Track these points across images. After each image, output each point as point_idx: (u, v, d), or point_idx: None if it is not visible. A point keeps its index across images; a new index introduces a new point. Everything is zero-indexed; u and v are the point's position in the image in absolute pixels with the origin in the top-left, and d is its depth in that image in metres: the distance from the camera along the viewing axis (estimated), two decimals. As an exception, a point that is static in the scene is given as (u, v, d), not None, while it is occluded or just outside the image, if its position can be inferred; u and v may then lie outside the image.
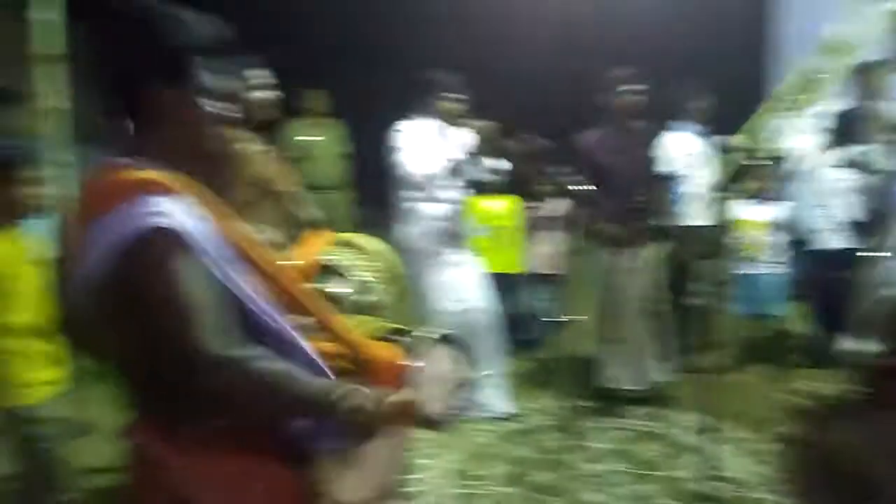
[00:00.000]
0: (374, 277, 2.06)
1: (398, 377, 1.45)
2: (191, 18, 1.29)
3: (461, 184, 4.00)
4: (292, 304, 1.39)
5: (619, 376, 4.00)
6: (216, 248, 1.23)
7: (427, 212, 3.82)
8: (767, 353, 4.58)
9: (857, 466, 1.58)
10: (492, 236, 4.86)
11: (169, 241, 1.18)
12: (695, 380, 3.58)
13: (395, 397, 1.36)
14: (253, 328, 1.27)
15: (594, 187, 3.96)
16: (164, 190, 1.22)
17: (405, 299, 2.01)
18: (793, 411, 1.73)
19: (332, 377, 1.36)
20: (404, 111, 3.90)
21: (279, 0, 9.93)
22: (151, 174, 1.24)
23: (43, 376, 2.24)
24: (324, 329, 1.45)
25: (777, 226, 4.47)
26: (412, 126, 3.80)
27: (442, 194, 3.83)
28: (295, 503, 1.36)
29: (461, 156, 3.82)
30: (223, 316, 1.20)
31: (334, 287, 2.09)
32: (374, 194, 7.20)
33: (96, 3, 1.31)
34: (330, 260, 2.19)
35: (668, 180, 4.30)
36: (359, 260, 2.13)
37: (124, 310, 1.21)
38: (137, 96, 1.27)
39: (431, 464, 3.32)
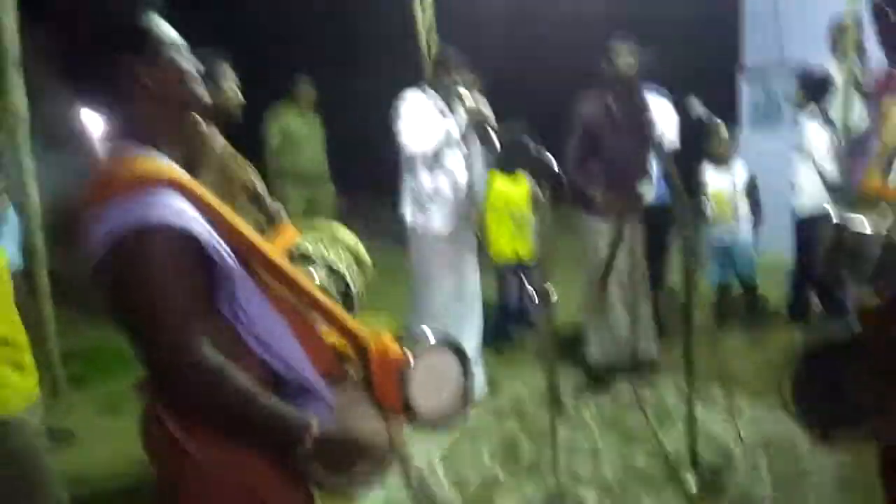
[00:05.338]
0: (342, 265, 2.05)
1: (395, 370, 1.44)
2: None
3: (473, 158, 3.73)
4: (295, 293, 1.41)
5: (607, 348, 4.01)
6: (217, 242, 1.24)
7: (434, 191, 3.60)
8: (745, 315, 4.61)
9: (848, 394, 1.73)
10: (509, 222, 4.54)
11: (164, 236, 1.18)
12: (679, 346, 3.59)
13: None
14: (242, 320, 1.28)
15: (591, 155, 3.83)
16: (167, 182, 1.22)
17: (369, 284, 2.02)
18: (793, 350, 1.87)
19: (313, 376, 1.35)
20: (397, 88, 3.63)
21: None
22: (155, 165, 1.23)
23: (15, 386, 2.19)
24: (324, 316, 1.45)
25: (743, 190, 4.45)
26: (415, 99, 3.56)
27: (448, 171, 3.60)
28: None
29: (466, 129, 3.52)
30: (200, 317, 1.22)
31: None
32: (355, 183, 7.13)
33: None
34: (300, 250, 2.17)
35: (669, 150, 4.06)
36: (328, 248, 2.12)
37: (113, 300, 1.23)
38: (109, 69, 1.26)
39: (418, 448, 3.30)
